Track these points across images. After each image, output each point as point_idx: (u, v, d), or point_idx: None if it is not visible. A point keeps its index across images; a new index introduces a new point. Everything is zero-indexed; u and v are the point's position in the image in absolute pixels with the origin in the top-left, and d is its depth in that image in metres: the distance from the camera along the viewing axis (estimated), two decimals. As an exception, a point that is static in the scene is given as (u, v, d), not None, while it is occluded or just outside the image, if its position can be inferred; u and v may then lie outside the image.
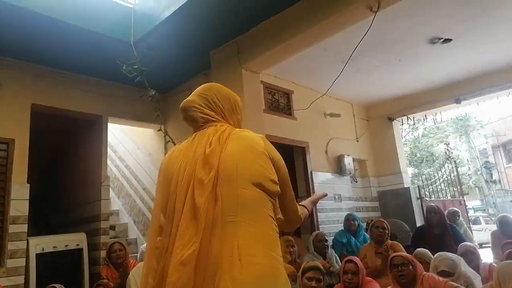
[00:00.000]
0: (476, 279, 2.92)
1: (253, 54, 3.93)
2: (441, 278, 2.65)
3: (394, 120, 6.65)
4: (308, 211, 1.61)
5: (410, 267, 2.69)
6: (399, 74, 5.51)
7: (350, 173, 6.00)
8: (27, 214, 3.86)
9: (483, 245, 9.87)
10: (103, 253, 4.22)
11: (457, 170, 8.25)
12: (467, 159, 21.11)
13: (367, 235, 4.40)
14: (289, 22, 3.62)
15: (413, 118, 6.70)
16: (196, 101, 1.46)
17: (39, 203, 4.78)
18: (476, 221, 13.29)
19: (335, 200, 5.68)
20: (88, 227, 4.60)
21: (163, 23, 3.66)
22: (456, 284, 2.57)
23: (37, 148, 4.22)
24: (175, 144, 3.93)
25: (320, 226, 5.15)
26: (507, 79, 5.51)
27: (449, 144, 11.33)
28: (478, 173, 21.31)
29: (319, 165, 5.59)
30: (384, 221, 3.88)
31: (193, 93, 1.51)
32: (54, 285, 3.02)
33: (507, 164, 21.20)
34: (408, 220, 5.60)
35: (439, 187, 7.58)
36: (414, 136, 18.37)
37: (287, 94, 5.44)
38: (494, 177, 21.39)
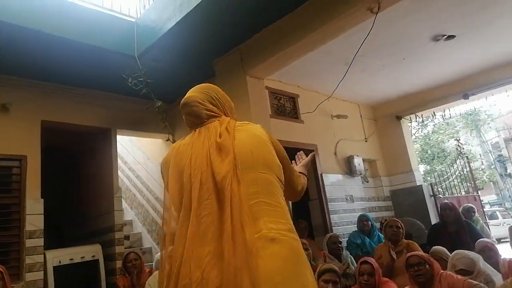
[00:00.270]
0: (496, 276, 2.86)
1: (257, 60, 3.95)
2: (459, 276, 2.61)
3: (402, 119, 6.60)
4: (306, 176, 1.75)
5: (427, 266, 2.66)
6: (405, 73, 5.48)
7: (360, 174, 5.96)
8: (43, 228, 3.92)
9: (502, 240, 9.70)
10: (119, 263, 4.25)
11: (469, 165, 8.16)
12: (480, 154, 20.83)
13: (382, 235, 4.36)
14: (290, 27, 3.63)
15: (421, 115, 6.65)
16: (199, 97, 1.47)
17: (54, 217, 4.83)
18: (492, 216, 13.09)
19: (347, 201, 5.64)
20: (103, 238, 4.64)
21: (165, 35, 3.69)
22: (475, 282, 2.53)
23: (49, 163, 4.28)
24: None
25: (333, 228, 5.12)
26: (515, 71, 5.45)
27: (459, 139, 11.22)
28: (492, 167, 21.00)
29: (329, 167, 5.57)
30: (398, 220, 3.85)
31: (192, 90, 1.51)
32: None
33: (521, 156, 20.86)
34: (423, 218, 5.53)
35: (453, 183, 7.50)
36: (424, 133, 18.22)
37: (293, 98, 5.44)
38: (508, 171, 21.06)
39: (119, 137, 5.09)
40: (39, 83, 4.26)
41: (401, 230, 3.69)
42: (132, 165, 6.64)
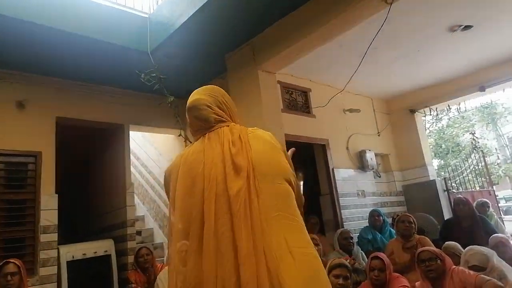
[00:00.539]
0: (510, 273, 2.81)
1: (268, 54, 3.93)
2: (471, 272, 2.57)
3: (416, 112, 6.50)
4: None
5: (438, 261, 2.63)
6: (419, 65, 5.38)
7: (372, 168, 5.90)
8: (57, 223, 3.99)
9: (517, 236, 9.53)
10: (130, 258, 4.31)
11: (484, 160, 8.00)
12: (496, 148, 20.40)
13: (393, 231, 4.32)
14: (302, 20, 3.59)
15: (436, 109, 6.53)
16: (208, 100, 1.42)
17: (67, 212, 4.92)
18: (508, 211, 12.82)
19: (359, 196, 5.60)
20: (115, 234, 4.71)
21: (178, 30, 3.70)
22: (488, 277, 2.49)
23: (63, 159, 4.35)
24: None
25: (344, 223, 5.09)
26: (533, 63, 5.31)
27: (475, 133, 11.01)
28: (508, 161, 20.57)
29: (340, 161, 5.53)
30: (410, 215, 3.80)
31: (198, 92, 1.46)
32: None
33: (538, 150, 20.38)
34: (436, 214, 5.46)
35: (467, 178, 7.37)
36: (439, 127, 17.91)
37: (305, 92, 5.41)
38: (525, 165, 20.60)
39: (132, 133, 5.14)
40: (54, 80, 4.32)
41: (413, 225, 3.65)
42: (144, 160, 6.70)
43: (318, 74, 5.29)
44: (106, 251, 4.33)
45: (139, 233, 5.64)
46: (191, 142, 4.27)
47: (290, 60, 4.08)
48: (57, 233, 3.97)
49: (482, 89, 5.76)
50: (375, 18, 3.54)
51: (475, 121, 19.32)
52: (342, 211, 5.19)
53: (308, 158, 5.58)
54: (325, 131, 5.43)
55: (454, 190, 6.34)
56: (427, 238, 3.67)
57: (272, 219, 1.18)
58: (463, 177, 7.32)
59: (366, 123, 6.25)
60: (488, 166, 8.75)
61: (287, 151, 1.57)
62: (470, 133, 13.40)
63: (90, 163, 5.90)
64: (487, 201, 5.02)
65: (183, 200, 1.27)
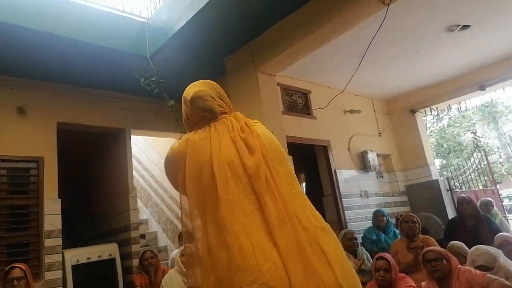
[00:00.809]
0: (518, 272, 2.80)
1: (268, 57, 3.93)
2: (478, 271, 2.55)
3: (417, 112, 6.50)
4: None
5: (444, 261, 2.61)
6: (418, 65, 5.39)
7: (375, 169, 5.90)
8: (61, 228, 3.99)
9: (521, 235, 9.48)
10: (135, 262, 4.30)
11: (487, 159, 7.99)
12: (497, 147, 20.35)
13: (397, 231, 4.31)
14: (301, 22, 3.60)
15: (437, 108, 6.53)
16: (210, 92, 1.43)
17: (70, 217, 4.92)
18: None
19: (362, 197, 5.59)
20: (119, 237, 4.70)
21: (176, 34, 3.71)
22: (494, 277, 2.47)
23: (65, 164, 4.35)
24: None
25: (348, 224, 5.08)
26: (533, 61, 5.31)
27: (476, 132, 11.00)
28: (511, 160, 20.51)
29: (342, 162, 5.52)
30: (414, 215, 3.79)
31: (197, 85, 1.47)
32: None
33: (540, 148, 20.33)
34: (440, 213, 5.45)
35: (470, 177, 7.35)
36: (439, 127, 17.88)
37: (305, 94, 5.41)
38: (528, 164, 20.54)
39: (133, 137, 5.15)
40: (54, 85, 4.33)
41: (417, 225, 3.64)
42: (146, 164, 6.70)
43: (317, 76, 5.29)
44: (111, 254, 4.33)
45: (143, 236, 5.63)
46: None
47: (290, 62, 4.09)
48: (61, 238, 3.97)
49: (482, 88, 5.76)
50: (374, 19, 3.55)
51: (476, 120, 19.27)
52: (345, 212, 5.18)
53: (310, 160, 5.58)
54: (326, 132, 5.43)
55: (457, 190, 6.32)
56: (431, 238, 3.66)
57: (292, 195, 1.26)
58: (466, 176, 7.30)
59: (367, 123, 6.25)
60: (491, 165, 8.73)
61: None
62: (471, 132, 13.39)
63: (92, 168, 5.91)
64: (491, 200, 5.00)
65: (194, 188, 1.27)
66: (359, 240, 4.45)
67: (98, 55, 3.84)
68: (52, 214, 3.95)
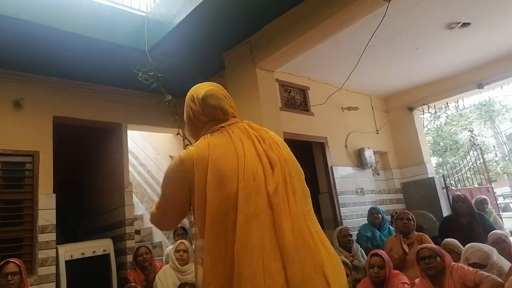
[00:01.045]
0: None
1: (267, 52, 3.91)
2: (471, 268, 2.57)
3: (415, 110, 6.50)
4: None
5: (438, 258, 2.63)
6: (417, 63, 5.38)
7: (371, 166, 5.90)
8: (55, 223, 3.97)
9: (515, 233, 9.55)
10: (129, 258, 4.29)
11: (483, 157, 8.02)
12: (494, 145, 20.44)
13: (392, 228, 4.33)
14: (300, 18, 3.58)
15: (434, 106, 6.53)
16: (222, 92, 1.42)
17: (65, 212, 4.90)
18: (506, 208, 12.86)
19: (358, 194, 5.60)
20: (114, 233, 4.69)
21: (175, 29, 3.68)
22: (487, 274, 2.49)
23: (60, 159, 4.33)
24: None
25: (343, 221, 5.09)
26: (531, 60, 5.31)
27: (473, 130, 11.03)
28: (506, 159, 20.62)
29: (339, 159, 5.52)
30: (409, 212, 3.80)
31: (205, 84, 1.45)
32: (86, 290, 3.10)
33: (536, 148, 20.42)
34: (435, 211, 5.47)
35: (465, 175, 7.38)
36: (437, 125, 17.94)
37: (303, 91, 5.40)
38: (523, 162, 20.64)
39: (130, 132, 5.12)
40: (51, 79, 4.30)
41: (412, 222, 3.65)
42: (142, 160, 6.69)
43: (316, 72, 5.28)
44: (105, 250, 4.31)
45: (137, 232, 5.62)
46: (189, 141, 4.25)
47: (288, 58, 4.07)
48: (55, 233, 3.95)
49: (480, 86, 5.76)
50: (373, 16, 3.53)
51: (473, 119, 19.34)
52: (341, 209, 5.19)
53: (307, 157, 5.58)
54: (324, 129, 5.42)
55: (452, 187, 6.35)
56: (426, 235, 3.67)
57: (307, 214, 1.27)
58: (462, 174, 7.33)
59: (365, 121, 6.25)
60: (486, 164, 8.76)
61: None
62: (468, 131, 13.43)
63: (88, 163, 5.88)
64: (486, 198, 5.02)
65: (214, 195, 1.21)
66: (354, 237, 4.46)
67: (95, 49, 3.82)
68: (46, 209, 3.93)
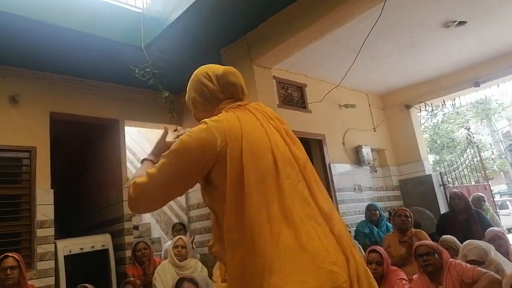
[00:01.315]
0: (508, 266, 2.83)
1: (264, 49, 3.91)
2: (468, 265, 2.59)
3: (412, 108, 6.53)
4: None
5: (436, 255, 2.64)
6: (414, 61, 5.39)
7: (369, 163, 5.93)
8: (53, 218, 3.97)
9: (511, 230, 9.63)
10: (128, 253, 4.30)
11: (480, 155, 8.07)
12: (490, 143, 20.56)
13: (390, 225, 4.35)
14: (298, 15, 3.58)
15: (431, 104, 6.57)
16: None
17: (63, 207, 4.90)
18: (502, 206, 12.94)
19: (355, 191, 5.62)
20: (112, 228, 4.69)
21: (172, 25, 3.67)
22: (485, 270, 2.51)
23: (58, 155, 4.32)
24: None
25: (341, 217, 5.10)
26: (528, 58, 5.34)
27: (470, 128, 11.08)
28: (503, 156, 20.73)
29: (337, 156, 5.54)
30: (406, 209, 3.82)
31: (218, 65, 1.45)
32: (85, 285, 3.10)
33: (532, 146, 20.54)
34: (432, 208, 5.50)
35: (462, 173, 7.42)
36: (433, 123, 18.01)
37: (300, 88, 5.40)
38: (519, 160, 20.76)
39: (127, 129, 5.11)
40: (48, 75, 4.28)
41: (409, 219, 3.67)
42: (140, 156, 6.67)
43: (313, 70, 5.28)
44: (104, 245, 4.31)
45: (136, 227, 5.63)
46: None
47: (286, 55, 4.07)
48: (53, 228, 3.95)
49: (477, 84, 5.79)
50: (370, 13, 3.53)
51: (470, 117, 19.43)
52: (339, 205, 5.21)
53: (305, 153, 5.58)
54: (321, 126, 5.43)
55: (450, 185, 6.38)
56: (423, 232, 3.69)
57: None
58: (459, 172, 7.36)
59: (362, 118, 6.26)
60: (483, 161, 8.81)
61: None
62: (465, 128, 13.49)
63: (85, 158, 5.87)
64: (483, 195, 5.06)
65: (252, 168, 1.16)
66: (352, 234, 4.48)
67: (92, 45, 3.80)
68: (44, 204, 3.92)
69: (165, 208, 5.86)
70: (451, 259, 2.68)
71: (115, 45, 3.84)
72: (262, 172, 1.16)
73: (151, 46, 3.93)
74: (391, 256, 3.41)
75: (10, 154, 3.90)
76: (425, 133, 16.11)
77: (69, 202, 5.83)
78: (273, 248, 1.07)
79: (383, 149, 6.50)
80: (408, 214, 3.69)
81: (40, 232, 3.84)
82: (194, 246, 4.17)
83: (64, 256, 3.95)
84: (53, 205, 3.99)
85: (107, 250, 4.31)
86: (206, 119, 1.23)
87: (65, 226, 5.43)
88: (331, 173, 5.29)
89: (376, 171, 6.25)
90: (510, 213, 12.52)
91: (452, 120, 18.49)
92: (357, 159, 5.82)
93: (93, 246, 4.23)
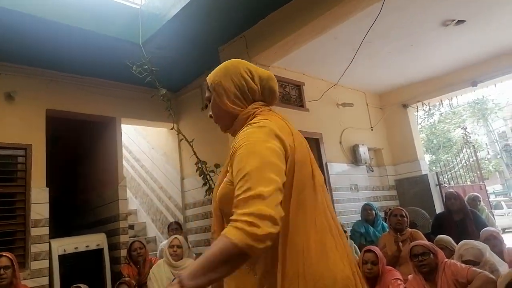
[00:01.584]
0: (502, 266, 2.84)
1: (262, 47, 3.90)
2: (463, 265, 2.59)
3: (409, 107, 6.53)
4: None
5: (431, 255, 2.64)
6: (412, 60, 5.39)
7: (366, 163, 5.93)
8: (48, 217, 3.94)
9: (506, 230, 9.68)
10: (123, 252, 4.28)
11: (476, 155, 8.09)
12: (486, 143, 20.65)
13: (385, 224, 4.35)
14: (296, 12, 3.57)
15: (428, 104, 6.57)
16: None
17: (58, 206, 4.86)
18: (497, 206, 13.01)
19: (352, 190, 5.62)
20: (108, 227, 4.67)
21: (170, 22, 3.65)
22: (479, 270, 2.51)
23: (54, 152, 4.29)
24: (188, 142, 3.96)
25: (337, 217, 5.10)
26: (525, 59, 5.35)
27: (466, 128, 11.12)
28: (498, 157, 20.84)
29: (334, 156, 5.53)
30: (402, 209, 3.82)
31: (261, 69, 1.41)
32: (79, 285, 3.08)
33: (528, 146, 20.65)
34: (428, 208, 5.50)
35: (458, 172, 7.44)
36: (430, 123, 18.07)
37: (298, 86, 5.39)
38: (515, 160, 20.88)
39: (124, 126, 5.09)
40: (44, 71, 4.25)
41: (405, 219, 3.67)
42: (136, 154, 6.65)
43: (311, 68, 5.27)
44: (99, 245, 4.29)
45: (131, 227, 5.60)
46: (184, 136, 4.19)
47: (284, 53, 4.06)
48: (48, 227, 3.92)
49: (474, 84, 5.80)
50: (369, 12, 3.53)
51: (466, 117, 19.51)
52: (335, 205, 5.20)
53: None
54: (319, 125, 5.42)
55: (445, 185, 6.40)
56: (419, 231, 3.70)
57: None
58: (455, 172, 7.39)
59: (359, 117, 6.26)
60: (479, 161, 8.84)
61: None
62: (462, 128, 13.54)
63: (81, 156, 5.84)
64: (478, 195, 5.06)
65: (298, 174, 1.13)
66: (348, 233, 4.48)
67: (89, 41, 3.77)
68: (39, 203, 3.90)
69: (160, 207, 5.85)
70: (446, 259, 2.69)
71: (113, 42, 3.82)
72: (304, 181, 1.13)
73: (149, 43, 3.91)
74: (387, 256, 3.41)
75: (5, 152, 3.87)
76: (421, 132, 16.16)
77: (66, 200, 5.80)
78: (310, 252, 1.07)
79: (380, 149, 6.50)
80: (404, 214, 3.69)
81: (34, 231, 3.81)
82: (189, 246, 4.16)
83: (59, 256, 3.92)
84: (48, 204, 3.96)
85: (102, 249, 4.29)
86: (262, 122, 1.16)
87: (61, 225, 5.40)
88: (328, 172, 5.29)
89: (372, 171, 6.26)
90: (505, 214, 12.59)
91: (448, 120, 18.57)
92: (354, 158, 5.82)
93: (88, 246, 4.20)
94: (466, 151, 8.01)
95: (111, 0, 3.81)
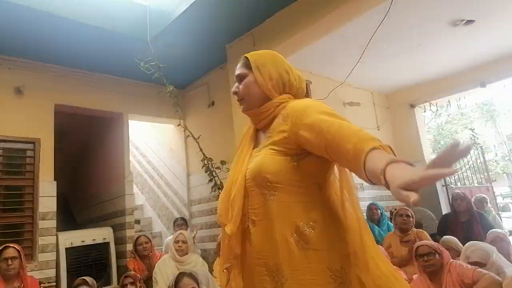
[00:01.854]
0: (509, 268, 2.82)
1: (269, 45, 3.88)
2: (469, 266, 2.58)
3: (416, 107, 6.49)
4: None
5: (437, 256, 2.63)
6: (420, 59, 5.35)
7: (372, 162, 5.90)
8: (55, 210, 3.99)
9: (513, 233, 9.58)
10: (129, 246, 4.32)
11: (483, 156, 8.02)
12: (494, 145, 20.45)
13: (391, 224, 4.34)
14: (304, 10, 3.56)
15: (436, 104, 6.52)
16: None
17: (66, 200, 4.92)
18: (505, 208, 12.88)
19: (358, 189, 5.60)
20: (114, 222, 4.72)
21: (178, 19, 3.67)
22: (485, 271, 2.50)
23: (61, 147, 4.34)
24: (194, 138, 3.98)
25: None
26: (535, 59, 5.29)
27: (474, 129, 11.01)
28: (506, 158, 20.62)
29: (339, 155, 5.51)
30: (408, 209, 3.80)
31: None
32: (84, 278, 3.11)
33: (536, 148, 20.41)
34: (434, 208, 5.47)
35: (465, 174, 7.38)
36: (438, 123, 17.92)
37: (305, 85, 5.37)
38: (523, 163, 20.65)
39: (131, 122, 5.12)
40: (53, 67, 4.30)
41: (411, 219, 3.66)
42: (143, 150, 6.69)
43: (318, 66, 5.25)
44: (105, 238, 4.34)
45: (138, 221, 5.65)
46: (190, 132, 4.22)
47: (291, 51, 4.04)
48: (55, 220, 3.98)
49: (483, 84, 5.73)
50: (377, 10, 3.50)
51: (474, 118, 19.33)
52: (340, 204, 5.19)
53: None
54: (325, 124, 5.40)
55: (452, 186, 6.35)
56: (424, 232, 3.68)
57: None
58: (462, 173, 7.32)
59: (366, 116, 6.23)
60: (487, 163, 8.77)
61: None
62: (469, 129, 13.42)
63: (89, 151, 5.89)
64: (485, 196, 5.03)
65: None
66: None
67: (98, 38, 3.81)
68: (47, 196, 3.95)
69: (166, 202, 5.88)
70: (452, 260, 2.67)
71: (121, 38, 3.85)
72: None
73: (156, 40, 3.93)
74: (392, 256, 3.40)
75: (14, 145, 3.93)
76: (428, 133, 16.04)
77: (73, 194, 5.86)
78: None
79: (387, 148, 6.46)
80: (410, 214, 3.68)
81: (42, 224, 3.87)
82: (195, 241, 4.18)
83: (66, 249, 3.98)
84: (55, 197, 4.02)
85: (108, 243, 4.34)
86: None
87: (68, 218, 5.46)
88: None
89: (378, 170, 6.22)
90: (513, 216, 12.46)
91: (456, 121, 18.41)
92: (360, 157, 5.79)
93: (94, 239, 4.25)
94: (474, 153, 7.93)
95: (120, -3, 3.83)
